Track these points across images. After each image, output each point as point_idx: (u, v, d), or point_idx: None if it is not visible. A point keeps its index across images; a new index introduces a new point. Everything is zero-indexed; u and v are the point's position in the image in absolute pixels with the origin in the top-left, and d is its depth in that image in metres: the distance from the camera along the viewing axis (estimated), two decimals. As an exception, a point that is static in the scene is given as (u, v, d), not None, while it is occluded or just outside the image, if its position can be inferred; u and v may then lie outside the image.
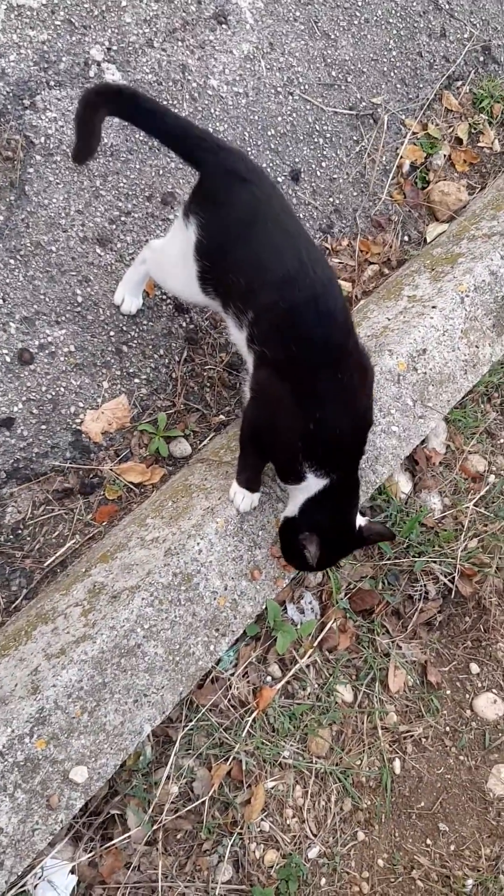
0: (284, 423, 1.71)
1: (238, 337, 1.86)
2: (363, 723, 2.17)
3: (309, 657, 2.14)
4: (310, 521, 1.78)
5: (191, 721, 1.95)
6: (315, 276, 1.69)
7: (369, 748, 2.15)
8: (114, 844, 1.82)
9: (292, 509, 1.84)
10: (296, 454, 1.70)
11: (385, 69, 2.94)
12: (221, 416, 2.35)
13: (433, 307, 2.37)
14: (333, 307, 1.70)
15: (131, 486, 2.19)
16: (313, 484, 1.74)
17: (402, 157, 2.88)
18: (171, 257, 1.97)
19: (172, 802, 1.90)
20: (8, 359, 2.09)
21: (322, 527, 1.76)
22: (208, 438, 2.32)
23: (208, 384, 2.36)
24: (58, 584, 1.98)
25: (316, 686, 2.14)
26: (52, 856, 1.74)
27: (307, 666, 2.14)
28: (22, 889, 1.69)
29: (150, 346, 2.30)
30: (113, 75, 2.36)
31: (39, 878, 1.73)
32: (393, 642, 2.26)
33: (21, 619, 1.92)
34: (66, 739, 1.67)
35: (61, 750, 1.66)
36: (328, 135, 2.74)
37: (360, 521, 1.84)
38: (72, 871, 1.77)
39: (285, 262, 1.71)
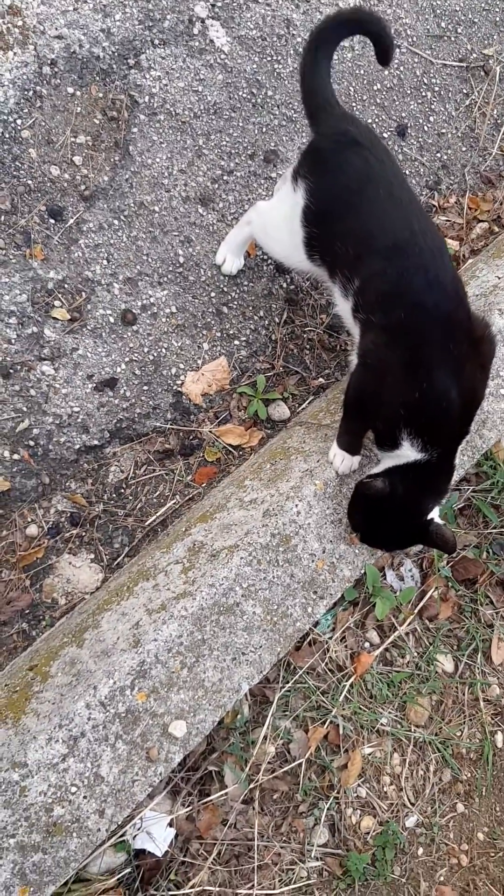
0: (389, 391, 1.66)
1: (343, 307, 1.81)
2: (464, 694, 2.11)
3: (408, 625, 2.10)
4: (390, 480, 1.69)
5: (288, 682, 1.94)
6: (425, 245, 1.64)
7: (470, 720, 2.09)
8: (211, 800, 1.83)
9: (379, 469, 1.78)
10: (397, 421, 1.64)
11: (497, 19, 2.80)
12: (321, 379, 2.31)
13: (547, 265, 2.26)
14: (443, 276, 1.63)
15: (230, 449, 2.18)
16: (406, 454, 1.67)
17: (514, 109, 2.74)
18: (277, 221, 1.94)
19: (269, 762, 1.90)
20: (111, 319, 2.11)
21: (395, 494, 1.67)
22: (307, 402, 2.28)
23: (308, 346, 2.32)
24: (158, 543, 2.00)
25: (415, 654, 2.09)
26: (151, 808, 1.77)
27: (406, 634, 2.10)
28: (122, 839, 1.73)
29: (251, 308, 2.27)
30: (217, 31, 2.32)
31: (139, 829, 1.76)
32: (497, 613, 2.19)
33: (123, 575, 1.94)
34: (166, 693, 1.69)
35: (161, 703, 1.68)
36: (436, 88, 2.63)
37: (436, 517, 1.73)
38: (170, 825, 1.80)
39: (395, 230, 1.66)
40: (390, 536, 1.79)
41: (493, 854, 2.01)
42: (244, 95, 2.33)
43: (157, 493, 2.11)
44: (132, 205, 2.17)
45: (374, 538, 1.82)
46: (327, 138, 1.81)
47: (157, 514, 2.08)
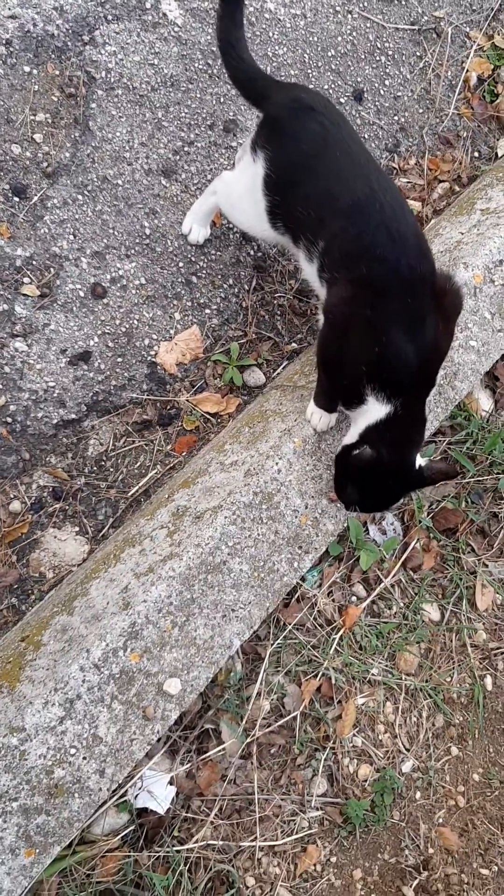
0: (350, 346, 1.67)
1: (309, 271, 1.83)
2: (451, 640, 2.16)
3: (393, 576, 2.13)
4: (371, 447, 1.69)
5: (278, 639, 1.97)
6: (385, 201, 1.65)
7: (459, 665, 2.14)
8: (210, 757, 1.86)
9: (353, 436, 1.76)
10: (359, 377, 1.65)
11: (447, -19, 2.83)
12: (294, 344, 2.34)
13: (508, 218, 2.29)
14: (405, 230, 1.64)
15: (208, 417, 2.20)
16: (374, 409, 1.67)
17: (468, 70, 2.77)
18: (240, 192, 1.95)
19: (265, 717, 1.93)
20: (81, 294, 2.12)
21: (381, 458, 1.67)
22: (281, 367, 2.31)
23: (279, 312, 2.35)
24: (142, 511, 2.02)
25: (402, 605, 2.13)
26: (151, 766, 1.79)
27: (392, 585, 2.13)
28: (123, 799, 1.75)
29: (220, 276, 2.29)
30: (169, 5, 2.33)
31: (139, 788, 1.78)
32: (479, 560, 2.23)
33: (109, 544, 1.96)
34: (159, 653, 1.71)
35: (154, 663, 1.71)
36: (390, 52, 2.66)
37: (421, 461, 1.74)
38: (170, 783, 1.82)
39: (355, 189, 1.67)
40: (388, 498, 1.78)
41: (489, 794, 2.05)
42: (200, 67, 2.34)
43: (138, 463, 2.12)
44: (95, 179, 2.18)
45: (373, 505, 1.82)
46: (281, 107, 1.82)
47: (140, 485, 2.10)
